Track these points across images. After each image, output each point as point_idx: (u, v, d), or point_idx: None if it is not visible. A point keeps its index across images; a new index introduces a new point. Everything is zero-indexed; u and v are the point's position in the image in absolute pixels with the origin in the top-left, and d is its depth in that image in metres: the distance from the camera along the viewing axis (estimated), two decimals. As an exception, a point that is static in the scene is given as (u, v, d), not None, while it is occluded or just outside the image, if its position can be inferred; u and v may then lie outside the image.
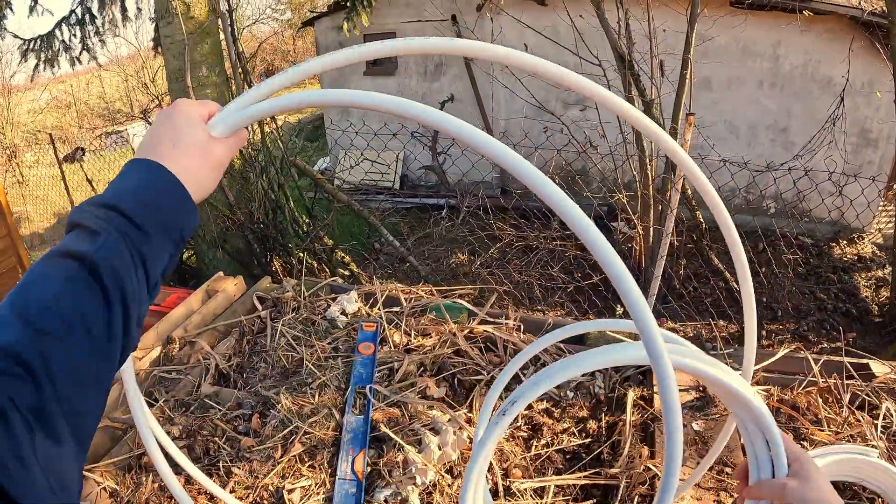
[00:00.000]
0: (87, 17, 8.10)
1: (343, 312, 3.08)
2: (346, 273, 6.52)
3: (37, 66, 8.56)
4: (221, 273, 3.90)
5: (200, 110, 1.01)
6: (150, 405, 2.71)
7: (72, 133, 19.34)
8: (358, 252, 7.51)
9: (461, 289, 3.14)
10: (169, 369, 2.97)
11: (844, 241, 8.96)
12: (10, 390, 0.67)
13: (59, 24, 8.31)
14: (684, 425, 2.45)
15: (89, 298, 0.77)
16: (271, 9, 26.99)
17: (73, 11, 8.14)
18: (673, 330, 6.17)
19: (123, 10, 8.15)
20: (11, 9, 8.24)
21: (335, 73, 12.80)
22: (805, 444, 2.28)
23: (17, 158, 17.04)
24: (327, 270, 6.34)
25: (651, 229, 5.96)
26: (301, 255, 6.14)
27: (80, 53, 8.51)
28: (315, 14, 12.46)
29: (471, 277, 6.46)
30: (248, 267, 6.49)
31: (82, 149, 17.65)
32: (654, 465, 2.15)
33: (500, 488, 2.03)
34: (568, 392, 2.52)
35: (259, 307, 3.35)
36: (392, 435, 2.19)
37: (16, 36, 8.42)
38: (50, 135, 10.80)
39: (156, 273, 0.87)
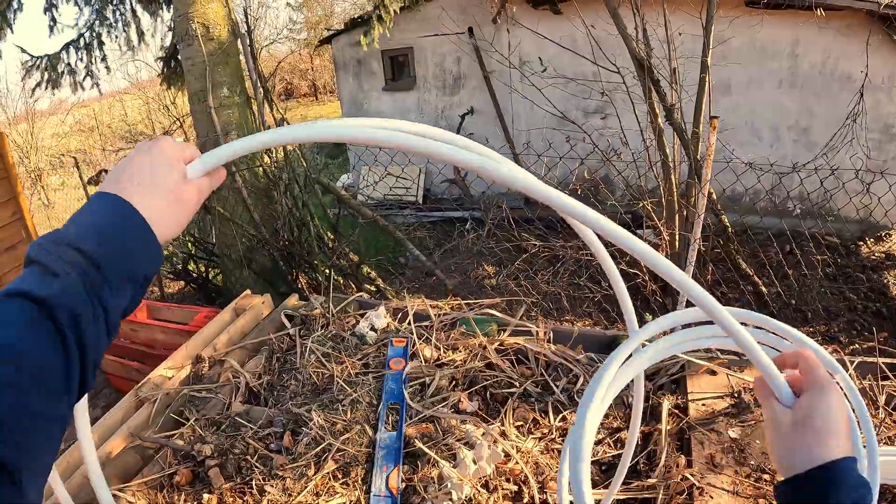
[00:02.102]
0: (95, 42, 8.08)
1: (372, 328, 3.08)
2: (373, 288, 6.53)
3: (37, 85, 8.47)
4: (248, 291, 3.92)
5: (182, 153, 1.00)
6: (181, 424, 2.72)
7: (95, 156, 19.59)
8: (383, 267, 7.53)
9: (490, 302, 3.14)
10: (199, 388, 2.98)
11: (871, 240, 8.85)
12: None
13: (66, 47, 8.26)
14: (720, 432, 2.43)
15: (47, 345, 0.75)
16: (288, 29, 27.32)
17: (81, 35, 8.10)
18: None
19: (140, 32, 8.18)
20: (11, 29, 8.13)
21: (355, 91, 12.88)
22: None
23: (42, 182, 17.28)
24: (353, 286, 6.35)
25: (677, 235, 5.92)
26: (327, 271, 6.17)
27: (84, 79, 8.44)
28: (332, 32, 12.55)
29: (499, 290, 6.44)
30: (275, 285, 6.52)
31: (106, 171, 17.87)
32: (692, 475, 2.12)
33: (538, 502, 2.01)
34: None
35: (287, 325, 3.36)
36: (426, 450, 2.18)
37: (23, 51, 8.33)
38: (74, 158, 10.94)
39: (116, 316, 0.84)
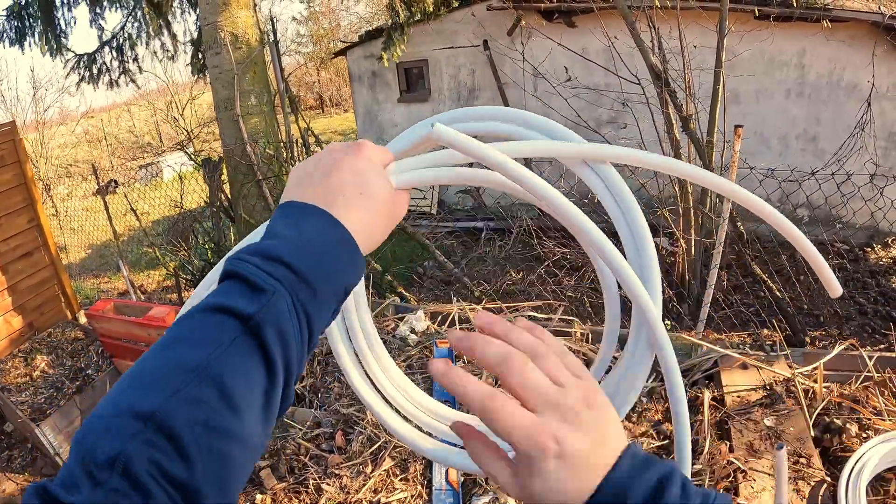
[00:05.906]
0: (127, 43, 8.31)
1: (412, 331, 3.16)
2: (394, 296, 6.59)
3: (80, 81, 8.82)
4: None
5: (383, 157, 0.91)
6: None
7: (103, 165, 19.72)
8: (403, 276, 7.58)
9: (527, 304, 3.23)
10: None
11: (878, 246, 8.96)
12: (154, 460, 0.57)
13: (102, 46, 8.58)
14: (756, 421, 2.54)
15: (251, 364, 0.66)
16: (295, 42, 27.53)
17: (114, 36, 8.35)
18: (718, 340, 6.21)
19: (173, 36, 8.37)
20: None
21: (370, 102, 13.02)
22: (869, 433, 2.41)
23: (51, 192, 17.38)
24: (375, 294, 6.43)
25: (693, 243, 6.01)
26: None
27: (119, 77, 8.75)
28: (348, 44, 12.69)
29: (527, 295, 6.52)
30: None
31: (115, 181, 18.00)
32: (736, 459, 2.24)
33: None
34: (642, 398, 2.59)
35: (326, 328, 3.42)
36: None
37: (69, 49, 8.66)
38: (93, 165, 11.05)
39: (318, 331, 0.77)
